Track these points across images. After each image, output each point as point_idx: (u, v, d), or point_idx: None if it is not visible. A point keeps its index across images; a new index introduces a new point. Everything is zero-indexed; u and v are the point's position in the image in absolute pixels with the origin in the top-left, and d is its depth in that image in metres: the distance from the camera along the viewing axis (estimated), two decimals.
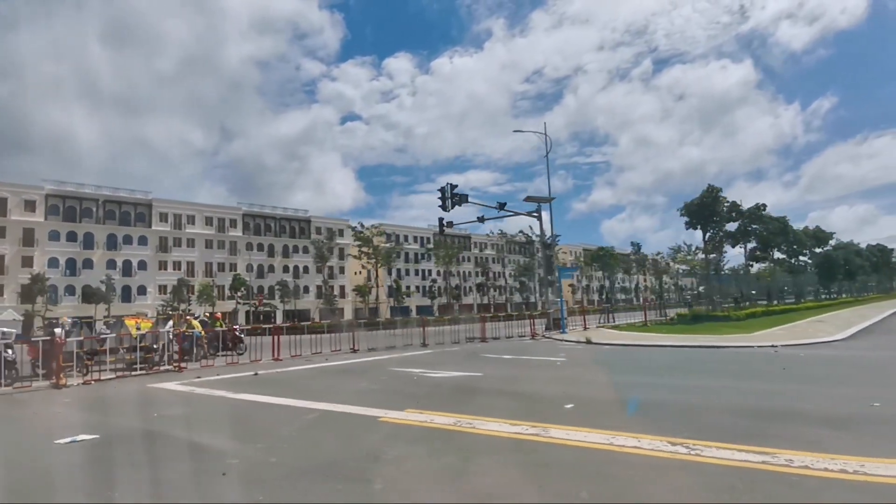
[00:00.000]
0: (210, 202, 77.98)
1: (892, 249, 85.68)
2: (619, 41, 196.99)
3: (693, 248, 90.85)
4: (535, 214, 26.08)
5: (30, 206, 61.15)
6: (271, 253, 79.87)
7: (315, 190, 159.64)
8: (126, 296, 64.98)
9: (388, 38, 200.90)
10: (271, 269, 79.31)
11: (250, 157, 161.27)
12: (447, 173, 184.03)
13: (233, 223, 76.65)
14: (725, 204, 27.88)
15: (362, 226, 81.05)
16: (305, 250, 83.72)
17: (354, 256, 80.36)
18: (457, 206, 23.31)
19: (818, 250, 48.78)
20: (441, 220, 30.52)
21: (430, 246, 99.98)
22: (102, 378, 12.77)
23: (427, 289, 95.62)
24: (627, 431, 6.42)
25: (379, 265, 79.84)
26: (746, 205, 33.03)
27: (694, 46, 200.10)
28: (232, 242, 75.89)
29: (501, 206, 24.67)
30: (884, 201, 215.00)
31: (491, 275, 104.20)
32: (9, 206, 60.06)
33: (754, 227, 31.73)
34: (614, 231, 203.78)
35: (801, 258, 43.92)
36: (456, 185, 23.03)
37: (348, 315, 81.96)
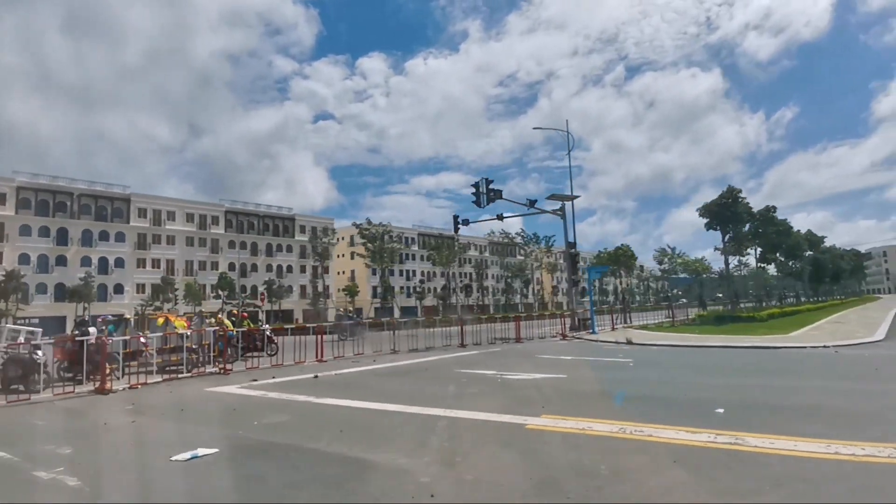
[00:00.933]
0: (190, 198, 75.28)
1: (866, 253, 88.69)
2: (591, 48, 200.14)
3: (678, 251, 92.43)
4: (559, 212, 25.55)
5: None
6: (254, 251, 77.59)
7: (287, 189, 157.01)
8: (102, 295, 61.87)
9: (363, 37, 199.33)
10: (254, 267, 77.02)
11: (219, 155, 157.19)
12: (420, 175, 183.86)
13: (215, 220, 74.08)
14: (745, 206, 28.01)
15: (369, 222, 79.25)
16: (289, 249, 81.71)
17: (360, 255, 79.09)
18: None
19: (808, 254, 50.04)
20: (456, 217, 29.71)
21: (415, 246, 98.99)
22: (149, 382, 11.53)
23: (412, 289, 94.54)
24: (824, 438, 5.81)
25: (384, 264, 78.58)
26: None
27: (662, 55, 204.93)
28: (214, 240, 73.33)
29: (532, 203, 24.04)
30: (840, 209, 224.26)
31: (476, 276, 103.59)
32: None
33: (761, 230, 31.94)
34: (585, 234, 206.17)
35: (795, 262, 44.72)
36: (491, 181, 22.30)
37: (331, 317, 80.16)
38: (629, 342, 19.16)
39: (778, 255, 34.66)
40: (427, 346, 18.41)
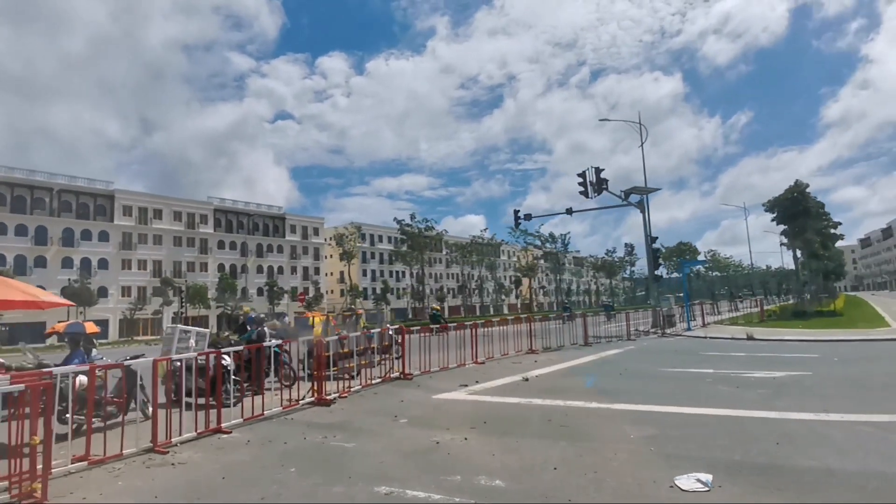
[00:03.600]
0: (177, 195, 71.02)
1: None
2: (551, 53, 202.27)
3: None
4: (637, 206, 24.69)
5: None
6: (244, 252, 73.95)
7: (246, 189, 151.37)
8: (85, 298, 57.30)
9: (324, 35, 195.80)
10: (244, 269, 73.36)
11: (173, 152, 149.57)
12: (382, 176, 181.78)
13: (203, 219, 70.13)
14: (813, 199, 28.03)
15: (413, 217, 78.05)
16: (280, 249, 78.42)
17: (400, 253, 77.59)
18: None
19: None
20: (517, 212, 28.57)
21: (403, 247, 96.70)
22: (352, 389, 9.78)
23: (401, 290, 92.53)
24: None
25: (422, 263, 77.61)
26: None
27: (620, 62, 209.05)
28: (203, 240, 69.40)
29: (627, 194, 23.04)
30: None
31: (460, 277, 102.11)
32: None
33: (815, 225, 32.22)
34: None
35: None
36: (603, 169, 21.14)
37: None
38: (751, 338, 18.42)
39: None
40: (558, 345, 17.11)
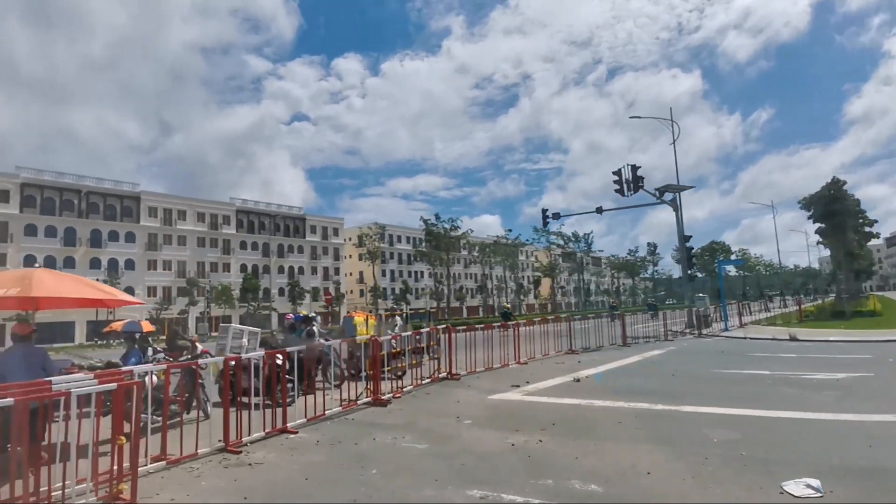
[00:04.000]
0: (200, 197, 71.91)
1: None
2: (567, 52, 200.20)
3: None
4: (670, 204, 24.26)
5: (2, 196, 53.74)
6: (266, 252, 74.60)
7: (264, 190, 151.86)
8: None
9: (339, 37, 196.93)
10: (266, 269, 74.00)
11: (192, 153, 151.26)
12: (397, 177, 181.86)
13: (226, 220, 70.93)
14: (851, 197, 27.30)
15: (438, 217, 77.72)
16: (301, 250, 78.98)
17: (423, 253, 78.52)
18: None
19: None
20: (545, 211, 28.37)
21: (423, 246, 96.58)
22: (404, 389, 9.70)
23: (421, 290, 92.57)
24: None
25: (449, 263, 77.51)
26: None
27: (636, 59, 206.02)
28: (225, 241, 70.17)
29: (661, 192, 22.67)
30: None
31: (478, 277, 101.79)
32: None
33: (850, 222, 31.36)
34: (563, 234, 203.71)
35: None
36: (639, 167, 20.85)
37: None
38: (794, 338, 17.94)
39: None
40: (597, 345, 16.87)
